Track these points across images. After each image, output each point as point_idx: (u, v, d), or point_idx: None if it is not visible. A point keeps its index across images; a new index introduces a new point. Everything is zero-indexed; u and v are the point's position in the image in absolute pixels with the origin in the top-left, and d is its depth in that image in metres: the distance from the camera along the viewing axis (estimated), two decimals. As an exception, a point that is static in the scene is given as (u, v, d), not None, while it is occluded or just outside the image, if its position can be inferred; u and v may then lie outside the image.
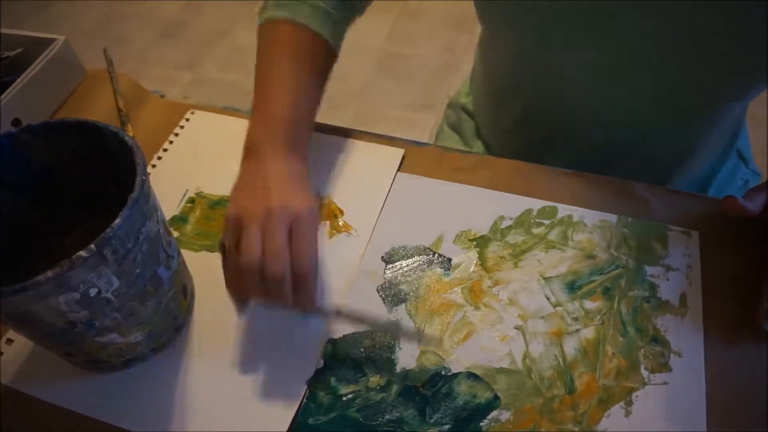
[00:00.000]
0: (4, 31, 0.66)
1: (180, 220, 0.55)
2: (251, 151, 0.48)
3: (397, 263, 0.51)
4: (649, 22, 0.49)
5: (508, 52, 0.61)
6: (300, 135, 0.50)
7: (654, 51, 0.51)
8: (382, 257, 0.52)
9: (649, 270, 0.50)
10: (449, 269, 0.51)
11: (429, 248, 0.52)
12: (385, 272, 0.51)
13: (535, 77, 0.60)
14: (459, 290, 0.49)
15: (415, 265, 0.51)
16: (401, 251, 0.52)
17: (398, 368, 0.45)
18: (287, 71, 0.51)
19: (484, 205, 0.55)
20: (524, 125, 0.66)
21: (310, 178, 0.49)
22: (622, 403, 0.43)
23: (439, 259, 0.51)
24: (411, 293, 0.49)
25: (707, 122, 0.60)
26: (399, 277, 0.50)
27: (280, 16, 0.52)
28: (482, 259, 0.51)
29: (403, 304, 0.49)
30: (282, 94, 0.50)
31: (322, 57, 0.54)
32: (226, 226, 0.44)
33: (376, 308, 0.49)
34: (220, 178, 0.59)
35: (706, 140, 0.62)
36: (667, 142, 0.61)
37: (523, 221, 0.53)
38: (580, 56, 0.54)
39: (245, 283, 0.42)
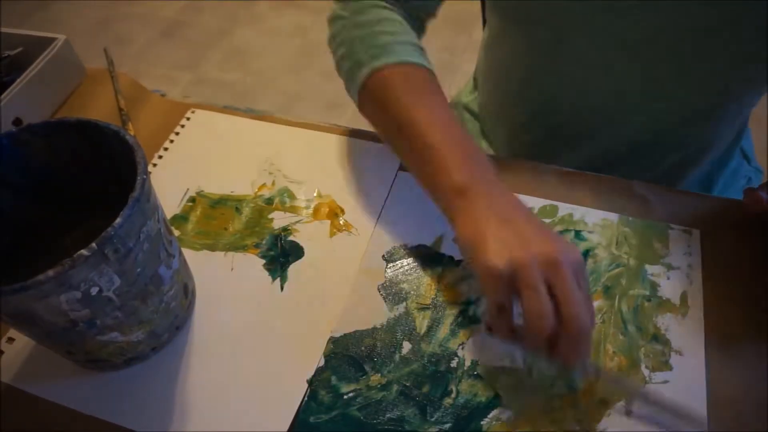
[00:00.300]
0: (4, 30, 0.66)
1: (181, 219, 0.56)
2: (466, 197, 0.42)
3: (398, 262, 0.51)
4: (662, 19, 0.49)
5: (517, 50, 0.61)
6: (491, 164, 0.46)
7: (667, 49, 0.51)
8: (383, 256, 0.52)
9: (650, 269, 0.50)
10: (450, 268, 0.51)
11: (430, 247, 0.52)
12: (386, 271, 0.51)
13: (545, 76, 0.60)
14: (460, 289, 0.49)
15: (416, 263, 0.51)
16: (402, 250, 0.52)
17: (399, 368, 0.45)
18: (435, 105, 0.48)
19: (484, 204, 0.55)
20: (531, 125, 0.66)
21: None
22: (622, 402, 0.43)
23: (440, 258, 0.51)
24: (412, 292, 0.49)
25: (716, 122, 0.60)
26: (400, 276, 0.50)
27: (383, 64, 0.49)
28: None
29: (404, 303, 0.49)
30: (456, 130, 0.46)
31: (438, 85, 0.51)
32: (494, 283, 0.38)
33: (377, 307, 0.49)
34: (221, 177, 0.59)
35: (713, 139, 0.62)
36: (676, 142, 0.61)
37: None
38: (592, 54, 0.54)
39: (533, 341, 0.38)
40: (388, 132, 0.51)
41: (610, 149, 0.62)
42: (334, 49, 0.55)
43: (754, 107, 0.62)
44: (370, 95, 0.50)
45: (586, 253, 0.51)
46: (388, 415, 0.43)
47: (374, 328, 0.47)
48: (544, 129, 0.66)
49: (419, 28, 0.57)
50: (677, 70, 0.53)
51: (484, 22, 0.86)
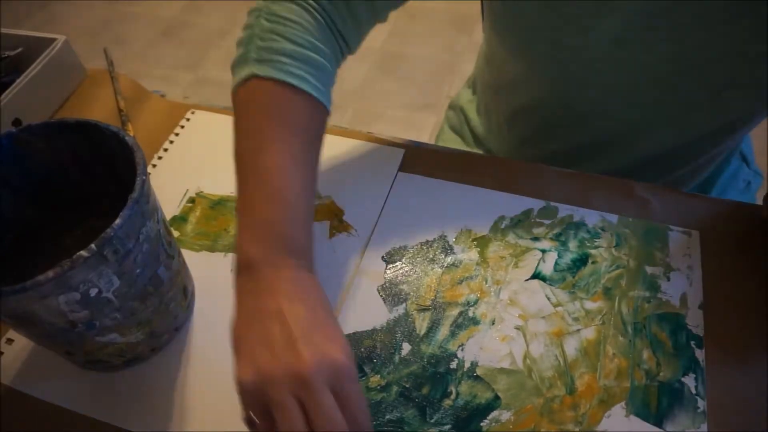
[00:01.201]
0: (4, 31, 0.66)
1: (180, 220, 0.55)
2: (250, 275, 0.39)
3: (397, 263, 0.51)
4: (665, 49, 0.49)
5: (520, 74, 0.61)
6: (307, 240, 0.42)
7: (670, 77, 0.51)
8: (383, 257, 0.52)
9: (650, 270, 0.50)
10: (450, 269, 0.51)
11: (430, 247, 0.52)
12: (385, 272, 0.51)
13: (547, 98, 0.60)
14: (459, 290, 0.49)
15: (416, 264, 0.51)
16: (401, 251, 0.52)
17: (399, 369, 0.45)
18: (281, 152, 0.42)
19: (484, 205, 0.55)
20: (537, 138, 0.66)
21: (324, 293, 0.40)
22: (622, 404, 0.43)
23: (441, 258, 0.51)
24: (411, 293, 0.49)
25: (733, 136, 0.60)
26: (399, 277, 0.50)
27: (263, 75, 0.43)
28: (483, 259, 0.51)
29: (404, 304, 0.49)
30: (279, 185, 0.41)
31: (318, 122, 0.46)
32: (244, 397, 0.35)
33: (376, 308, 0.49)
34: (221, 177, 0.59)
35: (708, 143, 0.62)
36: (692, 157, 0.61)
37: (523, 221, 0.53)
38: (595, 80, 0.54)
39: None
40: (236, 143, 0.44)
41: (617, 165, 0.62)
42: (240, 32, 0.47)
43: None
44: (239, 100, 0.45)
45: (586, 257, 0.51)
46: (387, 417, 0.43)
47: (374, 330, 0.47)
48: (550, 142, 0.65)
49: (353, 35, 0.49)
50: (679, 70, 0.53)
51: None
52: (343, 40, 0.48)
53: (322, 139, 0.47)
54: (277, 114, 0.43)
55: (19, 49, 0.65)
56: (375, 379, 0.45)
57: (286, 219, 0.40)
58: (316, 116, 0.45)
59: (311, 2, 0.46)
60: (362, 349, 0.46)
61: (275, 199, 0.40)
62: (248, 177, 0.42)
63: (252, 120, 0.43)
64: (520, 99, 0.64)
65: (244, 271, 0.39)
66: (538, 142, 0.66)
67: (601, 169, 0.62)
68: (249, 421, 0.37)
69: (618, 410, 0.42)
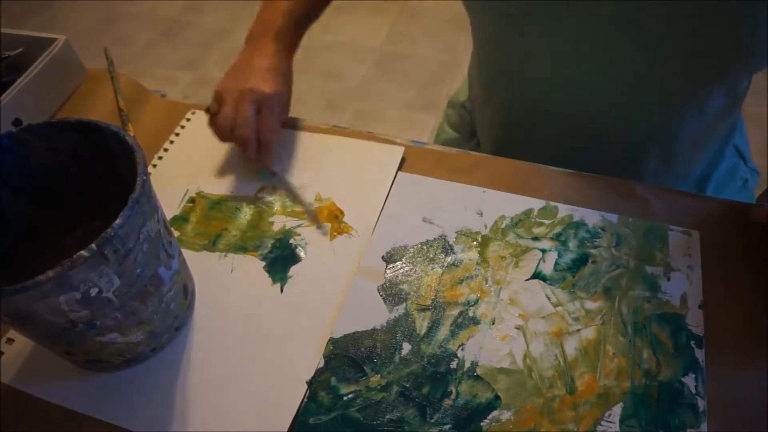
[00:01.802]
0: (4, 31, 0.66)
1: (181, 219, 0.56)
2: (249, 42, 0.61)
3: (397, 263, 0.51)
4: (617, 7, 0.49)
5: (488, 38, 0.62)
6: (293, 34, 0.62)
7: (623, 37, 0.51)
8: (383, 257, 0.52)
9: (650, 270, 0.50)
10: (450, 269, 0.51)
11: (430, 247, 0.52)
12: (385, 272, 0.51)
13: (513, 63, 0.61)
14: (460, 290, 0.49)
15: (416, 264, 0.51)
16: (402, 251, 0.52)
17: (399, 369, 0.45)
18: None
19: (484, 205, 0.55)
20: (503, 111, 0.67)
21: (287, 72, 0.60)
22: (622, 403, 0.43)
23: (440, 260, 0.51)
24: (412, 293, 0.49)
25: (681, 111, 0.59)
26: (400, 277, 0.50)
27: None
28: (483, 258, 0.51)
29: (404, 304, 0.49)
30: (280, 6, 0.61)
31: None
32: (214, 96, 0.58)
33: (376, 308, 0.49)
34: (221, 177, 0.59)
35: (684, 132, 0.61)
36: (639, 129, 0.61)
37: (523, 221, 0.53)
38: (553, 43, 0.55)
39: (224, 138, 0.58)
40: None
41: (577, 135, 0.63)
42: None
43: (737, 100, 0.62)
44: None
45: (586, 257, 0.51)
46: (387, 417, 0.43)
47: (374, 329, 0.47)
48: (514, 116, 0.66)
49: None
50: (641, 58, 0.52)
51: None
52: None
53: None
54: None
55: (20, 50, 0.65)
56: (375, 379, 0.45)
57: (287, 17, 0.62)
58: None
59: None
60: (362, 349, 0.46)
61: (271, 8, 0.63)
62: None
63: None
64: (486, 67, 0.66)
65: (247, 41, 0.62)
66: (500, 113, 0.68)
67: (567, 146, 0.63)
68: (207, 110, 0.59)
69: (618, 410, 0.42)
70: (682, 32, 0.49)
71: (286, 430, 0.42)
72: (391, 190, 0.57)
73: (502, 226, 0.53)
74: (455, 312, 0.48)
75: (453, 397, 0.44)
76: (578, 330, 0.47)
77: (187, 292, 0.48)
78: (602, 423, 0.42)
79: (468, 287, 0.50)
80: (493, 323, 0.47)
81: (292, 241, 0.53)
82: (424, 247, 0.52)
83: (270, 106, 0.56)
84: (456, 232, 0.53)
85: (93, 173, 0.46)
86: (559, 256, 0.51)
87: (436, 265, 0.51)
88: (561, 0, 0.51)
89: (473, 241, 0.52)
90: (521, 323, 0.47)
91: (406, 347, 0.46)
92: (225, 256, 0.53)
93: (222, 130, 0.56)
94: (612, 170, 0.58)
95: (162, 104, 0.66)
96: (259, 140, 0.55)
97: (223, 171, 0.59)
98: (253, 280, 0.51)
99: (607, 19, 0.50)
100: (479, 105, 0.72)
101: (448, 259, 0.51)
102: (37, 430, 0.44)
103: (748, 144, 0.74)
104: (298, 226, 0.54)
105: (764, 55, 0.50)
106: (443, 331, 0.47)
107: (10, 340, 0.48)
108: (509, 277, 0.50)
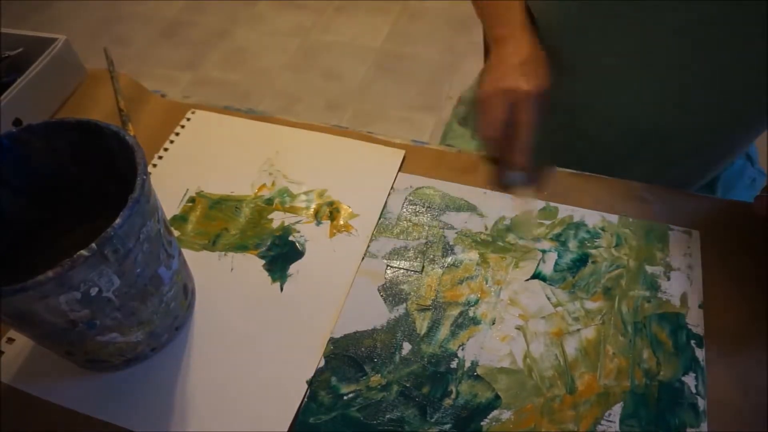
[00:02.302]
0: (4, 30, 0.66)
1: (181, 219, 0.56)
2: (498, 41, 0.59)
3: (398, 263, 0.51)
4: (683, 19, 0.50)
5: (548, 36, 0.62)
6: (525, 22, 0.59)
7: (686, 49, 0.52)
8: (383, 257, 0.52)
9: (650, 270, 0.50)
10: (450, 269, 0.51)
11: (430, 247, 0.52)
12: (386, 272, 0.51)
13: (571, 64, 0.61)
14: (460, 290, 0.49)
15: (416, 264, 0.51)
16: (402, 251, 0.52)
17: (399, 368, 0.45)
18: None
19: (484, 205, 0.55)
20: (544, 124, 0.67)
21: (543, 60, 0.57)
22: (622, 403, 0.43)
23: (440, 260, 0.51)
24: (412, 293, 0.49)
25: (731, 128, 0.60)
26: (400, 277, 0.50)
27: None
28: (483, 259, 0.51)
29: (404, 304, 0.49)
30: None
31: None
32: (480, 102, 0.56)
33: (377, 308, 0.49)
34: (221, 177, 0.59)
35: (725, 144, 0.62)
36: (683, 141, 0.61)
37: (523, 221, 0.53)
38: (613, 48, 0.55)
39: (490, 151, 0.56)
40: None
41: (618, 145, 0.63)
42: None
43: None
44: None
45: (586, 257, 0.51)
46: (388, 416, 0.43)
47: (374, 329, 0.47)
48: (554, 125, 0.66)
49: None
50: (700, 73, 0.53)
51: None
52: None
53: None
54: None
55: (20, 50, 0.65)
56: (375, 379, 0.45)
57: (509, 13, 0.59)
58: None
59: None
60: (363, 349, 0.46)
61: (502, 6, 0.60)
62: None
63: None
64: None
65: (496, 44, 0.59)
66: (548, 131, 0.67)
67: (603, 155, 0.63)
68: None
69: (618, 410, 0.42)
70: (746, 52, 0.49)
71: (286, 429, 0.42)
72: (392, 190, 0.57)
73: (502, 226, 0.53)
74: (455, 312, 0.48)
75: (453, 396, 0.44)
76: (578, 330, 0.47)
77: (187, 292, 0.48)
78: (602, 423, 0.42)
79: (468, 287, 0.50)
80: (494, 323, 0.47)
81: (291, 237, 0.53)
82: (425, 248, 0.52)
83: (527, 103, 0.53)
84: (456, 233, 0.53)
85: (93, 173, 0.46)
86: (559, 256, 0.51)
87: (436, 266, 0.51)
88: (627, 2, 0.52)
89: (473, 242, 0.52)
90: (521, 323, 0.47)
91: (407, 347, 0.46)
92: (225, 255, 0.53)
93: (485, 140, 0.54)
94: (636, 175, 0.58)
95: (162, 104, 0.66)
96: (514, 138, 0.53)
97: (223, 171, 0.59)
98: (253, 279, 0.51)
99: (672, 30, 0.51)
100: None
101: (449, 259, 0.51)
102: (37, 430, 0.44)
103: (755, 145, 0.75)
104: (297, 222, 0.54)
105: None
106: (443, 331, 0.47)
107: (11, 340, 0.48)
108: (509, 277, 0.50)
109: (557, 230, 0.53)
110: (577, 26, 0.57)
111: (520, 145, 0.53)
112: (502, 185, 0.56)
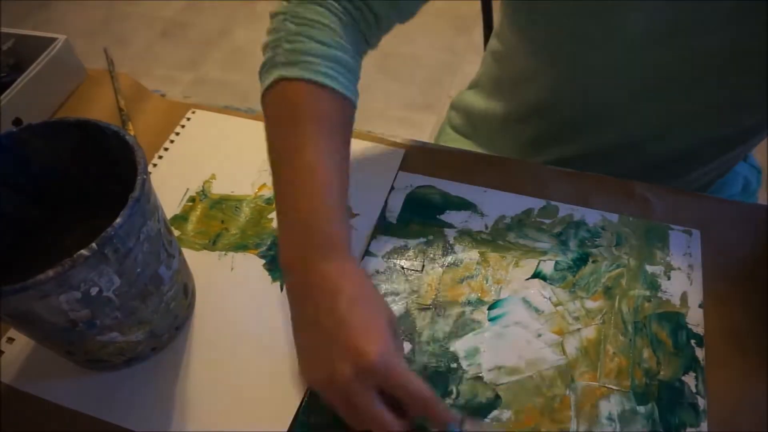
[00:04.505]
0: (4, 30, 0.66)
1: (181, 219, 0.56)
2: (291, 278, 0.42)
3: (398, 262, 0.51)
4: (690, 44, 0.49)
5: (534, 69, 0.61)
6: (345, 234, 0.43)
7: (694, 74, 0.52)
8: (383, 256, 0.52)
9: (650, 269, 0.50)
10: (451, 268, 0.51)
11: (430, 246, 0.52)
12: (386, 271, 0.51)
13: (562, 95, 0.60)
14: (460, 289, 0.49)
15: (417, 264, 0.51)
16: (402, 250, 0.52)
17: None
18: (317, 150, 0.43)
19: (484, 205, 0.55)
20: (544, 141, 0.66)
21: (373, 282, 0.43)
22: (622, 403, 0.43)
23: (441, 259, 0.51)
24: (412, 292, 0.49)
25: (740, 143, 0.60)
26: (400, 277, 0.50)
27: (293, 76, 0.44)
28: (483, 258, 0.51)
29: (404, 303, 0.49)
30: (319, 181, 0.42)
31: (349, 119, 0.47)
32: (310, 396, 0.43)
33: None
34: (221, 177, 0.59)
35: (723, 147, 0.62)
36: (685, 156, 0.62)
37: (523, 221, 0.53)
38: (614, 75, 0.55)
39: None
40: (271, 145, 0.46)
41: (627, 170, 0.62)
42: (266, 36, 0.48)
43: None
44: (270, 102, 0.46)
45: (587, 256, 0.51)
46: (388, 416, 0.43)
47: None
48: (554, 149, 0.65)
49: (372, 34, 0.51)
50: (702, 84, 0.53)
51: (485, 24, 0.85)
52: (365, 39, 0.51)
53: (351, 134, 0.49)
54: (310, 113, 0.44)
55: (12, 40, 0.65)
56: (375, 379, 0.45)
57: (326, 218, 0.42)
58: (347, 112, 0.47)
59: (335, 4, 0.47)
60: (363, 349, 0.46)
61: (315, 197, 0.42)
62: (287, 176, 0.43)
63: (285, 121, 0.45)
64: (534, 98, 0.63)
65: (286, 273, 0.43)
66: (547, 145, 0.66)
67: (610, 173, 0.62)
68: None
69: (618, 409, 0.42)
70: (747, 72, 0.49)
71: (286, 429, 0.42)
72: (392, 190, 0.56)
73: (502, 226, 0.53)
74: (456, 311, 0.48)
75: (454, 396, 0.44)
76: (578, 329, 0.47)
77: (187, 292, 0.48)
78: (602, 422, 0.42)
79: (468, 287, 0.50)
80: (494, 323, 0.47)
81: (292, 240, 0.53)
82: (425, 247, 0.52)
83: (388, 369, 0.36)
84: (456, 232, 0.53)
85: (93, 173, 0.46)
86: (560, 255, 0.51)
87: (436, 265, 0.51)
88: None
89: (474, 241, 0.52)
90: (522, 323, 0.47)
91: (407, 346, 0.46)
92: (225, 254, 0.53)
93: None
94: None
95: (162, 104, 0.66)
96: (417, 410, 0.37)
97: (223, 170, 0.59)
98: (253, 278, 0.51)
99: (677, 59, 0.51)
100: (510, 120, 0.71)
101: (449, 258, 0.51)
102: (37, 430, 0.44)
103: None
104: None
105: None
106: (444, 331, 0.47)
107: (11, 340, 0.48)
108: (509, 276, 0.50)
109: (557, 229, 0.53)
110: (578, 54, 0.56)
111: (433, 413, 0.37)
112: None
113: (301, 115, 0.44)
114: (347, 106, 0.47)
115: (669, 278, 0.49)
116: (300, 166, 0.43)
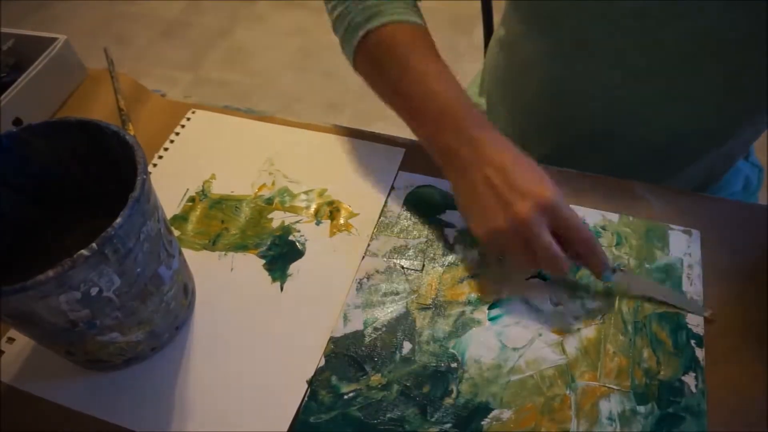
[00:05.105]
0: (4, 30, 0.66)
1: (181, 219, 0.56)
2: (452, 160, 0.47)
3: (398, 262, 0.51)
4: (690, 25, 0.49)
5: (539, 52, 0.61)
6: (479, 112, 0.48)
7: (694, 56, 0.51)
8: (384, 256, 0.52)
9: (651, 269, 0.50)
10: (451, 268, 0.51)
11: (431, 246, 0.52)
12: (386, 271, 0.51)
13: (566, 82, 0.60)
14: (460, 289, 0.49)
15: (417, 263, 0.51)
16: (402, 250, 0.52)
17: (400, 368, 0.45)
18: (432, 61, 0.50)
19: (484, 205, 0.55)
20: (547, 130, 0.66)
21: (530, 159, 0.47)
22: (622, 403, 0.43)
23: (441, 259, 0.51)
24: (412, 292, 0.49)
25: (740, 133, 0.60)
26: (401, 276, 0.50)
27: (378, 24, 0.51)
28: (483, 258, 0.51)
29: (405, 303, 0.49)
30: (451, 87, 0.49)
31: (432, 41, 0.53)
32: (487, 246, 0.48)
33: (376, 309, 0.49)
34: (221, 177, 0.59)
35: (731, 153, 0.63)
36: (691, 150, 0.62)
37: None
38: (616, 57, 0.54)
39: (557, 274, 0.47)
40: (385, 86, 0.52)
41: (629, 156, 0.62)
42: (330, 9, 0.55)
43: None
44: (367, 56, 0.52)
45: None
46: (388, 415, 0.43)
47: (375, 328, 0.47)
48: (559, 135, 0.65)
49: None
50: (710, 78, 0.53)
51: (485, 24, 0.85)
52: None
53: None
54: (406, 43, 0.51)
55: (12, 40, 0.65)
56: (376, 378, 0.45)
57: (467, 103, 0.48)
58: (428, 36, 0.53)
59: None
60: (363, 348, 0.46)
61: (451, 89, 0.48)
62: (414, 86, 0.49)
63: (388, 58, 0.51)
64: (536, 83, 0.64)
65: (446, 159, 0.48)
66: (548, 135, 0.66)
67: (608, 164, 0.62)
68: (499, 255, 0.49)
69: (618, 409, 0.42)
70: (753, 48, 0.49)
71: (287, 429, 0.42)
72: (392, 190, 0.57)
73: (503, 225, 0.53)
74: (456, 311, 0.48)
75: (454, 396, 0.44)
76: (579, 329, 0.47)
77: (187, 292, 0.48)
78: (602, 422, 0.42)
79: (469, 286, 0.50)
80: (494, 322, 0.47)
81: (291, 237, 0.53)
82: (425, 247, 0.52)
83: (562, 208, 0.43)
84: (457, 231, 0.53)
85: (93, 173, 0.46)
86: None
87: (436, 264, 0.51)
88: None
89: (474, 240, 0.52)
90: (522, 322, 0.47)
91: (407, 346, 0.46)
92: (225, 255, 0.53)
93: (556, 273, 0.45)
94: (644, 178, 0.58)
95: (162, 104, 0.66)
96: (580, 255, 0.44)
97: (223, 170, 0.59)
98: (253, 278, 0.51)
99: (679, 43, 0.50)
100: (515, 112, 0.71)
101: (449, 258, 0.51)
102: (37, 430, 0.44)
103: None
104: (297, 222, 0.54)
105: None
106: (444, 330, 0.47)
107: (11, 340, 0.48)
108: (510, 276, 0.50)
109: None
110: (584, 44, 0.56)
111: (586, 245, 0.44)
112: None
113: (400, 46, 0.50)
114: (426, 31, 0.53)
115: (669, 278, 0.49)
116: (424, 71, 0.49)
